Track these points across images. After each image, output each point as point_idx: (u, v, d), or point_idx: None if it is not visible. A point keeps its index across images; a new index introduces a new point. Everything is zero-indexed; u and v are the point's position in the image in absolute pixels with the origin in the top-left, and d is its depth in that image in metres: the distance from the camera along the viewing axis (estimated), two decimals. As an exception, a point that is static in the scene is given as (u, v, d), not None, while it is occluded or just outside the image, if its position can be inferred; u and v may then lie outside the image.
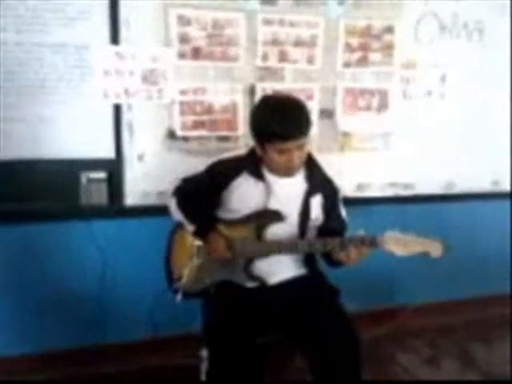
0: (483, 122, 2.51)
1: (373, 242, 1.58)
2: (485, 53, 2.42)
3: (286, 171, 1.67)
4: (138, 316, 2.21)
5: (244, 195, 1.70)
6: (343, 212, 1.81)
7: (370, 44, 2.23)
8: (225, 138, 2.14)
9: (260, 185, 1.69)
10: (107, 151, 2.02)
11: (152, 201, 2.09)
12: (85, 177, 2.00)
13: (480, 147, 2.54)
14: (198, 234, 1.71)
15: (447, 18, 2.33)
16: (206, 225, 1.71)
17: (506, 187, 2.64)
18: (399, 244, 1.56)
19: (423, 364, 2.37)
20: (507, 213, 2.69)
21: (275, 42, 2.10)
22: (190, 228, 1.72)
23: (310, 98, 2.19)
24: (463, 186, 2.55)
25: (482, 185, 2.59)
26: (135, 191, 2.08)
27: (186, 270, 1.74)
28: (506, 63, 2.47)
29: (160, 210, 1.89)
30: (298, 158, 1.61)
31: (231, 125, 2.13)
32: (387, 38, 2.25)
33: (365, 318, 2.37)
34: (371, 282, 2.48)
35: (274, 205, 1.68)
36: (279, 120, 1.55)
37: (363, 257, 1.60)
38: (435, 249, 1.55)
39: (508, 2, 2.40)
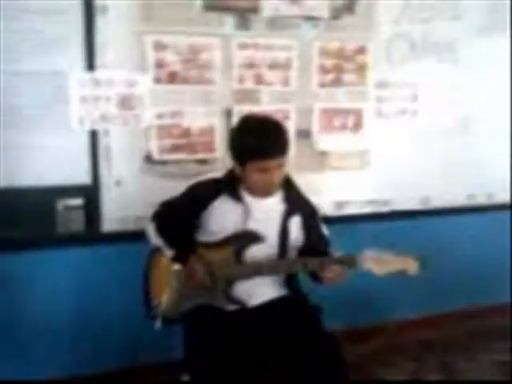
0: (456, 138, 2.56)
1: (351, 262, 1.61)
2: (456, 72, 2.49)
3: (266, 191, 1.69)
4: (117, 343, 2.17)
5: (223, 217, 1.70)
6: (325, 230, 1.82)
7: (343, 65, 2.27)
8: (203, 161, 2.14)
9: (238, 206, 1.70)
10: (84, 177, 2.00)
11: (130, 226, 2.07)
12: (61, 204, 1.97)
13: (454, 162, 2.59)
14: (177, 259, 1.70)
15: (418, 38, 2.39)
16: (186, 250, 1.69)
17: (481, 200, 2.69)
18: (377, 263, 1.59)
19: (408, 379, 2.37)
20: (484, 226, 2.74)
21: (251, 65, 2.13)
22: (169, 253, 1.71)
23: (287, 118, 2.21)
24: (439, 200, 2.59)
25: (458, 199, 2.64)
26: (113, 217, 2.06)
27: (165, 296, 1.72)
28: (476, 81, 2.53)
29: (138, 236, 1.86)
30: (277, 177, 1.63)
31: (209, 147, 2.14)
32: (360, 58, 2.30)
33: (349, 335, 2.38)
34: (356, 299, 2.49)
35: (252, 226, 1.69)
36: (259, 139, 1.58)
37: (344, 276, 1.62)
38: (411, 266, 1.58)
39: (474, 24, 2.47)
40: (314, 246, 1.77)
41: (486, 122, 2.59)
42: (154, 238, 1.76)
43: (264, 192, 1.69)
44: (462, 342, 2.66)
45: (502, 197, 2.71)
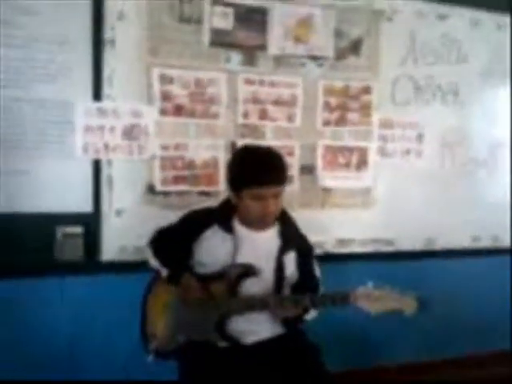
0: (460, 179, 2.56)
1: (344, 299, 1.55)
2: (460, 113, 2.51)
3: (261, 220, 1.64)
4: (111, 376, 2.11)
5: (212, 248, 1.67)
6: (317, 270, 1.79)
7: (348, 104, 2.30)
8: (206, 193, 2.14)
9: (228, 238, 1.66)
10: (85, 206, 2.00)
11: (129, 256, 2.05)
12: (60, 231, 1.97)
13: (459, 204, 2.57)
14: (172, 278, 1.68)
15: (422, 80, 2.42)
16: (180, 269, 1.68)
17: (485, 243, 2.65)
18: (371, 300, 1.51)
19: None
20: (487, 270, 2.69)
21: (256, 100, 2.16)
22: (164, 272, 1.69)
23: (291, 154, 2.22)
24: (443, 242, 2.55)
25: (462, 241, 2.60)
26: (112, 247, 2.05)
27: (160, 328, 1.69)
28: (480, 124, 2.55)
29: (137, 266, 1.85)
30: (273, 206, 1.59)
31: (212, 180, 2.14)
32: (365, 98, 2.32)
33: (347, 377, 2.31)
34: (353, 340, 2.43)
35: (242, 260, 1.64)
36: (257, 165, 1.56)
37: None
38: (408, 306, 1.50)
39: (477, 68, 2.51)
40: (305, 285, 1.72)
41: (489, 165, 2.59)
42: (152, 261, 1.75)
43: (260, 222, 1.65)
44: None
45: (507, 240, 2.68)
